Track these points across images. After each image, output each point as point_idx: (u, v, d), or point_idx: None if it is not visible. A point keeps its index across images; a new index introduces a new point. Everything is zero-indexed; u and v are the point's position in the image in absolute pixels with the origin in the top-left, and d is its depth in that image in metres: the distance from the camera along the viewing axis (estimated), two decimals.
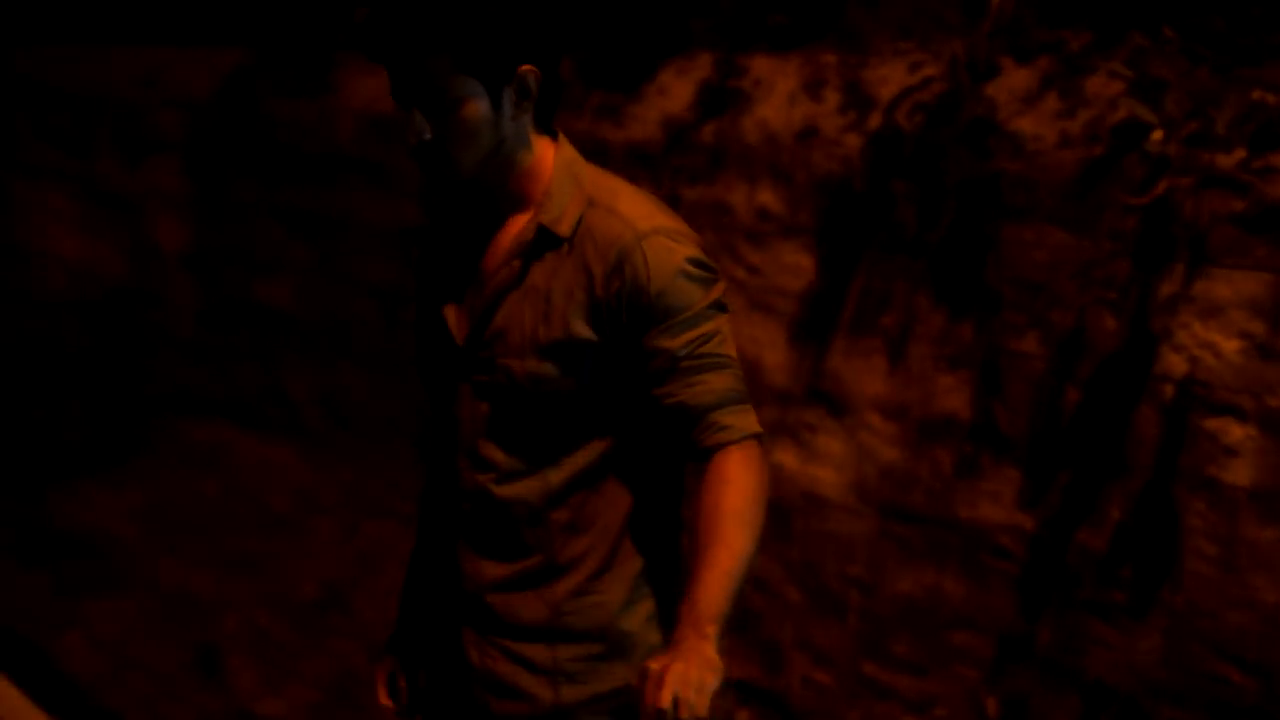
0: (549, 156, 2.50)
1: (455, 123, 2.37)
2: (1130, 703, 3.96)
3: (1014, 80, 4.36)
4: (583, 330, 2.41)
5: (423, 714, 2.85)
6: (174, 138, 8.41)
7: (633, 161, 5.45)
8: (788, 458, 4.93)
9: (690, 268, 2.40)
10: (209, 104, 8.06)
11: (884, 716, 4.63)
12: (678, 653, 2.18)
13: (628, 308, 2.39)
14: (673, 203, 5.11)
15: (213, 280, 8.21)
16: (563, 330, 2.42)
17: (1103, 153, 4.05)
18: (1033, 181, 4.16)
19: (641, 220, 2.42)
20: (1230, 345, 3.76)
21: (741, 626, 5.08)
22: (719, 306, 2.44)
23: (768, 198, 4.96)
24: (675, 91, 5.43)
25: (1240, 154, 3.78)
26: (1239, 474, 3.74)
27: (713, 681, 2.17)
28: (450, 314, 2.56)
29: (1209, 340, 3.80)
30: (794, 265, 4.88)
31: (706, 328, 2.39)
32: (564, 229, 2.43)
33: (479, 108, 2.37)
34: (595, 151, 5.47)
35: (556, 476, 2.49)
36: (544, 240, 2.45)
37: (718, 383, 2.38)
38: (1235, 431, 3.74)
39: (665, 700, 2.12)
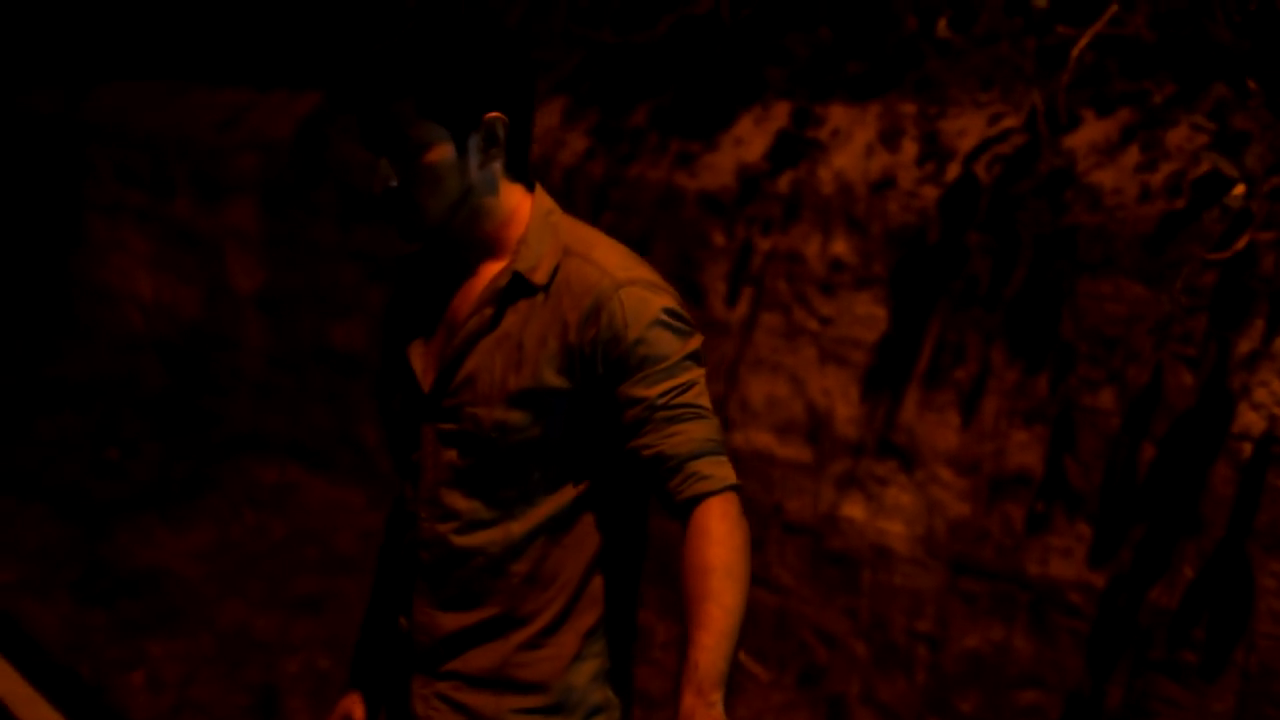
0: (525, 205, 2.47)
1: (419, 169, 2.36)
2: None
3: (1094, 132, 4.36)
4: (554, 379, 2.38)
5: None
6: (251, 179, 8.53)
7: (706, 210, 5.49)
8: (857, 510, 4.93)
9: (667, 318, 2.36)
10: (286, 146, 8.18)
11: None
12: None
13: (603, 356, 2.35)
14: (746, 252, 5.16)
15: (286, 322, 8.32)
16: (533, 378, 2.39)
17: (1183, 206, 4.05)
18: (1110, 235, 4.16)
19: (619, 270, 2.38)
20: None
21: (808, 680, 5.07)
22: (696, 358, 2.40)
23: (842, 248, 4.98)
24: (751, 140, 5.46)
25: None
26: None
27: None
28: (416, 360, 2.52)
29: None
30: (867, 316, 4.89)
31: (684, 378, 2.35)
32: (540, 277, 2.41)
33: (444, 154, 2.36)
34: (669, 200, 5.54)
35: (519, 528, 2.46)
36: (518, 287, 2.42)
37: (696, 432, 2.34)
38: None
39: None
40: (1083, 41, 4.31)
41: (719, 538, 2.28)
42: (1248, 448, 3.84)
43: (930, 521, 4.69)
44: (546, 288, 2.40)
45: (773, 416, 5.25)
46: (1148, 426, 4.07)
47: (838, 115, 5.20)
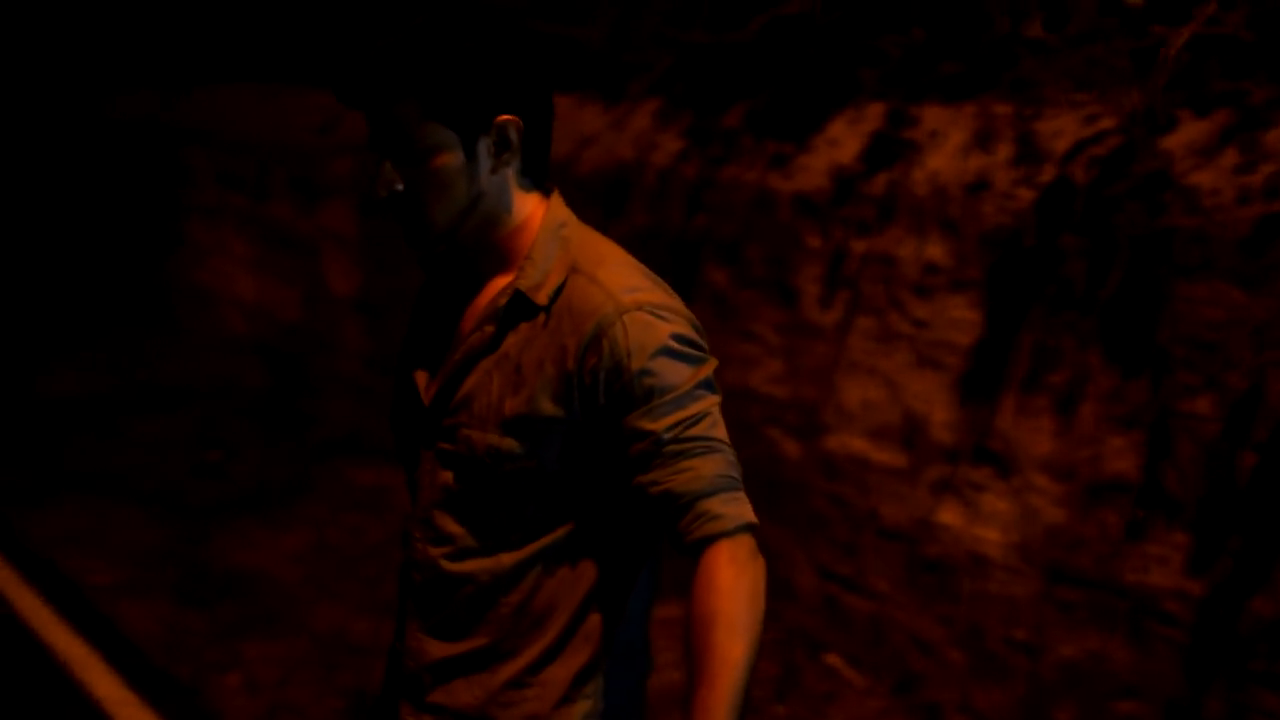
0: (537, 215, 2.33)
1: (426, 174, 2.24)
2: None
3: (1191, 133, 4.35)
4: (549, 407, 2.26)
5: None
6: (347, 183, 8.65)
7: (800, 212, 5.51)
8: (953, 516, 4.94)
9: (676, 344, 2.22)
10: None
11: None
12: None
13: (605, 387, 2.23)
14: (840, 255, 5.18)
15: (382, 324, 8.42)
16: (528, 405, 2.26)
17: None
18: (1208, 237, 4.14)
19: (624, 292, 2.24)
20: None
21: (904, 687, 5.09)
22: (709, 386, 2.26)
23: (936, 251, 4.99)
24: (845, 142, 5.48)
25: None
26: None
27: None
28: (421, 375, 2.42)
29: None
30: (962, 320, 4.91)
31: (694, 409, 2.21)
32: (542, 297, 2.27)
33: (451, 159, 2.24)
34: (763, 202, 5.57)
35: (510, 558, 2.34)
36: (519, 307, 2.29)
37: (708, 468, 2.20)
38: None
39: None
40: (1179, 41, 4.30)
41: (724, 587, 2.17)
42: None
43: (1026, 528, 4.69)
44: (548, 308, 2.28)
45: (868, 421, 5.27)
46: (1247, 433, 4.05)
47: (932, 116, 5.22)
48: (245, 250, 10.10)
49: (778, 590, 5.61)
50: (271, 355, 9.79)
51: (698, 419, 2.20)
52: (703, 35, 6.34)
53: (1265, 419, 4.02)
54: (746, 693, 2.15)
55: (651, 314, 2.22)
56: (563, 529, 2.33)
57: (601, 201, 6.56)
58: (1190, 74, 4.44)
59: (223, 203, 10.39)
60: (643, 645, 2.51)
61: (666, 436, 2.19)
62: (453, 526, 2.37)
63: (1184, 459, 4.20)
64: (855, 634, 5.34)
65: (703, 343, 2.28)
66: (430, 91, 2.21)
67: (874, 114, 5.45)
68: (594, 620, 2.37)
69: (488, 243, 2.33)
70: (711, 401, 2.24)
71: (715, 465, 2.20)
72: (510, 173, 2.28)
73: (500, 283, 2.33)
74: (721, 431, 2.25)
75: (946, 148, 5.07)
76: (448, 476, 2.36)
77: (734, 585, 2.16)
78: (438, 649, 2.42)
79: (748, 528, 2.21)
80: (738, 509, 2.20)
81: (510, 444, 2.27)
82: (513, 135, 2.24)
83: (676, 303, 2.29)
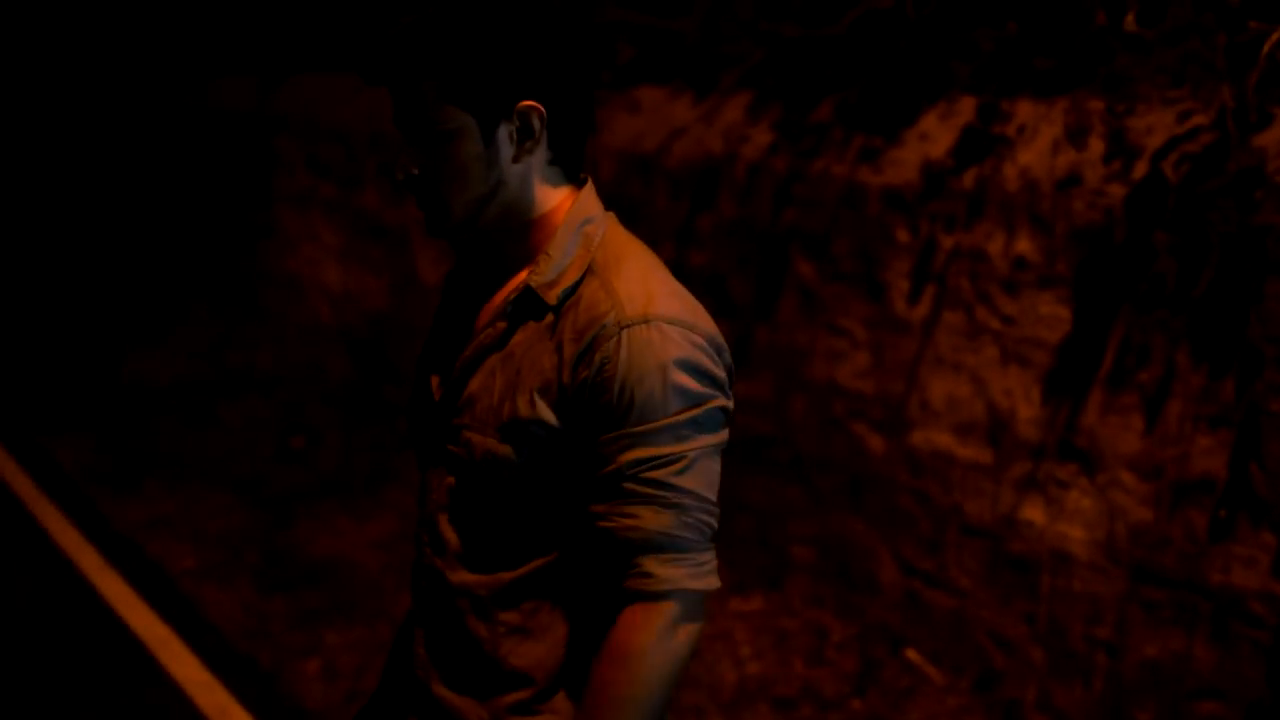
0: (564, 207, 2.24)
1: (442, 158, 2.16)
2: None
3: None
4: (544, 414, 2.15)
5: None
6: None
7: (890, 207, 5.55)
8: (1037, 513, 4.97)
9: (676, 372, 2.09)
10: None
11: None
12: None
13: (589, 401, 2.11)
14: (929, 249, 5.21)
15: None
16: (523, 410, 2.15)
17: None
18: None
19: (634, 303, 2.12)
20: None
21: (984, 684, 5.12)
22: (700, 426, 2.12)
23: (1026, 246, 5.02)
24: (936, 136, 5.51)
25: None
26: None
27: None
28: (437, 370, 2.36)
29: None
30: (1050, 316, 4.93)
31: (668, 449, 2.09)
32: (552, 296, 2.18)
33: (469, 144, 2.15)
34: (852, 195, 5.61)
35: (509, 575, 2.24)
36: (529, 304, 2.20)
37: (652, 521, 2.09)
38: None
39: None
40: (1274, 37, 4.30)
41: (630, 656, 2.10)
42: None
43: (1111, 526, 4.71)
44: (558, 308, 2.18)
45: (953, 416, 5.30)
46: None
47: (1024, 111, 5.24)
48: (334, 239, 10.22)
49: (860, 584, 5.67)
50: (357, 343, 9.90)
51: (667, 461, 2.09)
52: (794, 29, 6.38)
53: None
54: None
55: (659, 330, 2.10)
56: (569, 548, 2.24)
57: (690, 193, 6.61)
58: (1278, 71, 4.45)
59: (313, 191, 10.51)
60: None
61: (627, 472, 2.09)
62: (453, 534, 2.29)
63: (1272, 459, 4.21)
64: (936, 630, 5.37)
65: (715, 371, 2.15)
66: (448, 73, 2.13)
67: (965, 108, 5.47)
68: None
69: (512, 233, 2.24)
70: (697, 444, 2.11)
71: (661, 520, 2.09)
72: (536, 161, 2.20)
73: (522, 276, 2.25)
74: (694, 480, 2.12)
75: (1038, 143, 5.09)
76: (451, 480, 2.29)
77: (638, 657, 2.09)
78: (440, 661, 2.36)
79: (678, 594, 2.10)
80: (669, 572, 2.10)
81: (506, 450, 2.17)
82: (535, 123, 2.16)
83: (698, 320, 2.17)
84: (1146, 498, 4.59)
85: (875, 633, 5.61)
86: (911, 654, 5.44)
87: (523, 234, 2.24)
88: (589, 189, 2.28)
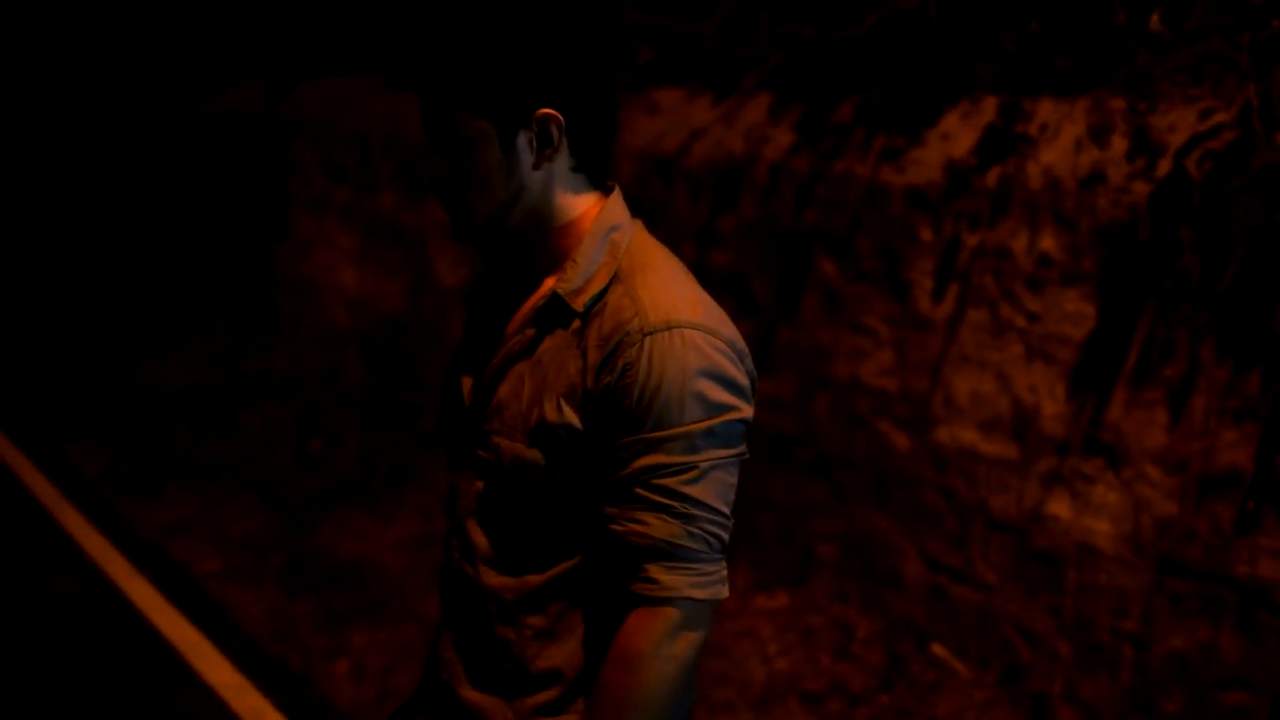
0: (591, 214, 2.27)
1: (464, 164, 2.20)
2: None
3: None
4: (571, 418, 2.18)
5: None
6: None
7: (913, 206, 5.62)
8: (1062, 508, 5.04)
9: (697, 379, 2.13)
10: None
11: None
12: None
13: (610, 406, 2.15)
14: (953, 248, 5.28)
15: None
16: (551, 415, 2.19)
17: None
18: None
19: (657, 310, 2.15)
20: None
21: (1010, 678, 5.19)
22: (716, 438, 2.15)
23: (1049, 244, 5.09)
24: (958, 135, 5.58)
25: None
26: None
27: None
28: (468, 375, 2.38)
29: None
30: (1075, 313, 5.00)
31: (681, 458, 2.12)
32: (579, 303, 2.21)
33: (490, 152, 2.19)
34: (875, 195, 5.68)
35: (537, 578, 2.28)
36: (556, 311, 2.23)
37: (659, 529, 2.13)
38: None
39: None
40: None
41: (629, 660, 2.14)
42: None
43: (1137, 520, 4.78)
44: (584, 315, 2.21)
45: (978, 413, 5.37)
46: None
47: (1046, 110, 5.31)
48: (349, 242, 10.29)
49: (886, 580, 5.74)
50: (373, 347, 9.96)
51: (679, 470, 2.12)
52: (815, 30, 6.44)
53: None
54: None
55: (682, 339, 2.13)
56: (591, 555, 2.26)
57: (712, 194, 6.69)
58: None
59: (328, 195, 10.57)
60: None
61: (639, 478, 2.13)
62: (482, 539, 2.32)
63: None
64: (962, 624, 5.44)
65: (738, 378, 2.18)
66: (467, 81, 2.17)
67: (988, 108, 5.53)
68: None
69: (539, 238, 2.27)
70: (711, 456, 2.14)
71: (669, 529, 2.13)
72: (558, 168, 2.23)
73: (549, 283, 2.27)
74: (704, 491, 2.15)
75: (1060, 141, 5.16)
76: (480, 485, 2.32)
77: (641, 661, 2.14)
78: (468, 665, 2.38)
79: (680, 602, 2.14)
80: (673, 579, 2.14)
81: (535, 455, 2.20)
82: (554, 130, 2.19)
83: (721, 327, 2.20)
84: (1172, 491, 4.66)
85: (901, 628, 5.68)
86: (937, 648, 5.51)
87: (549, 240, 2.27)
88: (616, 196, 2.31)
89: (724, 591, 2.20)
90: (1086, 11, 5.29)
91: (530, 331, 2.25)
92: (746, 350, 2.23)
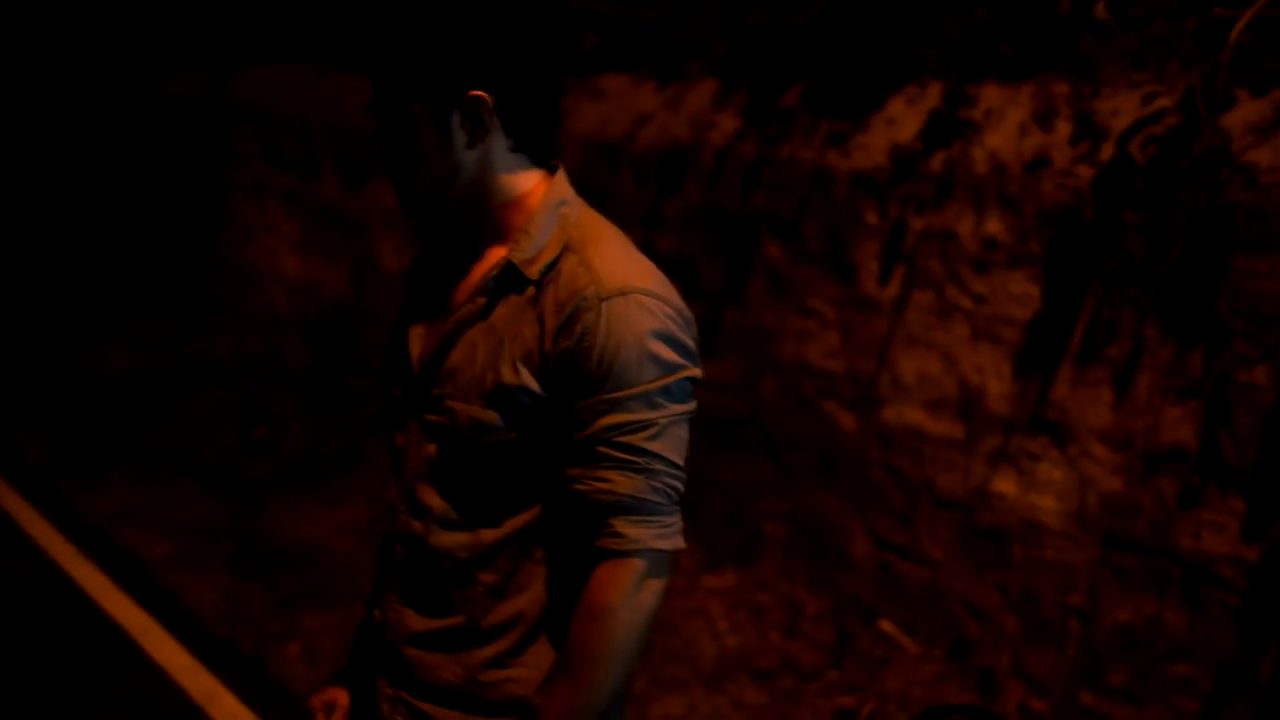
0: (538, 191, 2.34)
1: (402, 143, 2.28)
2: None
3: (1248, 112, 4.48)
4: (528, 381, 2.24)
5: None
6: None
7: (859, 190, 5.66)
8: (1008, 485, 5.09)
9: (652, 341, 2.21)
10: None
11: None
12: None
13: (569, 369, 2.21)
14: (898, 231, 5.32)
15: None
16: (508, 377, 2.25)
17: None
18: (1267, 213, 4.28)
19: (612, 278, 2.23)
20: None
21: (958, 652, 5.24)
22: (674, 395, 2.24)
23: (995, 227, 5.13)
24: (903, 120, 5.62)
25: None
26: None
27: None
28: (414, 342, 2.42)
29: None
30: (1021, 294, 5.05)
31: (640, 415, 2.20)
32: (533, 271, 2.27)
33: (423, 131, 2.26)
34: (821, 179, 5.71)
35: (490, 535, 2.34)
36: (510, 279, 2.29)
37: (623, 485, 2.21)
38: None
39: None
40: (1241, 22, 4.43)
41: (600, 612, 2.22)
42: None
43: (1082, 496, 4.84)
44: (538, 283, 2.27)
45: (924, 393, 5.42)
46: None
47: (991, 95, 5.35)
48: (291, 228, 10.25)
49: (834, 558, 5.79)
50: (316, 332, 9.93)
51: (640, 426, 2.21)
52: (762, 17, 6.46)
53: None
54: (595, 717, 2.26)
55: (636, 303, 2.21)
56: (543, 509, 2.33)
57: (657, 180, 6.70)
58: (1245, 55, 4.56)
59: (269, 181, 10.52)
60: None
61: (601, 437, 2.21)
62: (434, 500, 2.37)
63: (1241, 428, 4.34)
64: (910, 601, 5.49)
65: (687, 341, 2.26)
66: (403, 63, 2.25)
67: (932, 93, 5.57)
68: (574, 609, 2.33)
69: (482, 215, 2.34)
70: (668, 412, 2.23)
71: (632, 484, 2.21)
72: (495, 148, 2.29)
73: (495, 254, 2.34)
74: (663, 446, 2.23)
75: (1005, 126, 5.20)
76: (432, 449, 2.36)
77: (609, 612, 2.21)
78: (416, 622, 2.43)
79: (646, 553, 2.22)
80: (638, 531, 2.22)
81: (491, 416, 2.26)
82: (483, 112, 2.24)
83: (670, 295, 2.28)
84: (1117, 468, 4.72)
85: (849, 605, 5.73)
86: (886, 625, 5.56)
87: (491, 216, 2.34)
88: (561, 175, 2.38)
89: (682, 542, 2.28)
90: None
91: (482, 300, 2.30)
92: (691, 318, 2.31)
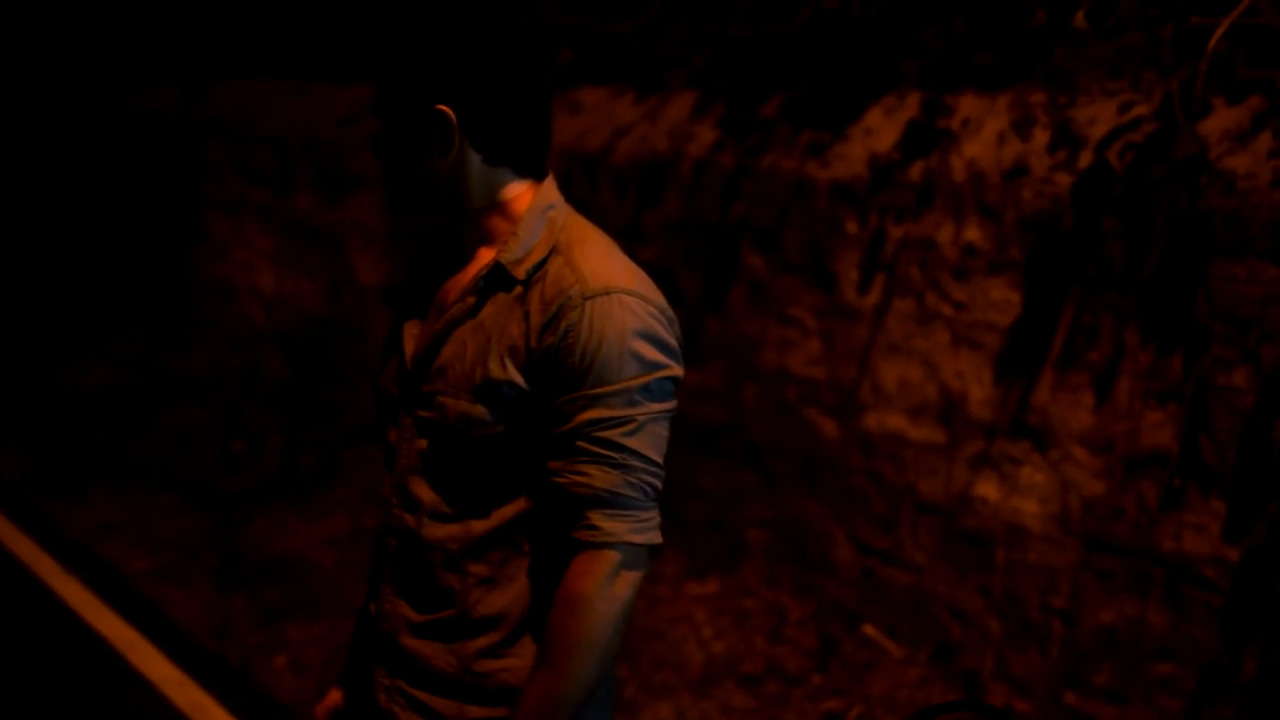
0: (525, 197, 2.42)
1: (385, 151, 2.42)
2: None
3: (1225, 119, 4.53)
4: (515, 376, 2.31)
5: None
6: (374, 174, 8.78)
7: (838, 199, 5.69)
8: (990, 490, 5.13)
9: (634, 340, 2.27)
10: None
11: None
12: None
13: (553, 365, 2.28)
14: (878, 240, 5.36)
15: None
16: (496, 373, 2.31)
17: None
18: (1244, 219, 4.33)
19: (595, 277, 2.30)
20: None
21: (942, 655, 5.28)
22: (654, 393, 2.30)
23: (975, 234, 5.18)
24: (882, 131, 5.66)
25: None
26: None
27: None
28: (408, 340, 2.50)
29: None
30: (1001, 301, 5.09)
31: (620, 411, 2.27)
32: (520, 271, 2.35)
33: (400, 142, 2.38)
34: (800, 189, 5.75)
35: (480, 527, 2.40)
36: (499, 279, 2.37)
37: (600, 479, 2.27)
38: None
39: None
40: (1220, 29, 4.49)
41: (575, 602, 2.27)
42: None
43: (1064, 500, 4.88)
44: (525, 282, 2.35)
45: (906, 399, 5.45)
46: None
47: (968, 105, 5.40)
48: (267, 243, 10.24)
49: (817, 564, 5.82)
50: (293, 346, 9.92)
51: (619, 423, 2.26)
52: (741, 29, 6.50)
53: None
54: (574, 708, 2.30)
55: (619, 303, 2.28)
56: (532, 502, 2.39)
57: (637, 191, 6.73)
58: (1221, 63, 4.62)
59: (244, 196, 10.52)
60: None
61: (581, 431, 2.27)
62: (426, 493, 2.43)
63: (1221, 430, 4.39)
64: (893, 605, 5.53)
65: (669, 340, 2.33)
66: (382, 79, 2.40)
67: (910, 103, 5.61)
68: None
69: (467, 219, 2.44)
70: (647, 409, 2.29)
71: (609, 479, 2.27)
72: (467, 159, 2.38)
73: (484, 257, 2.43)
74: (641, 442, 2.29)
75: (983, 135, 5.25)
76: (423, 444, 2.43)
77: (586, 603, 2.27)
78: (411, 613, 2.48)
79: (621, 546, 2.28)
80: (613, 525, 2.27)
81: (480, 411, 2.33)
82: (447, 125, 2.34)
83: (653, 295, 2.34)
84: (1099, 471, 4.76)
85: (833, 610, 5.76)
86: (869, 629, 5.59)
87: (477, 222, 2.43)
88: (550, 182, 2.46)
89: (658, 537, 2.34)
90: (1007, 10, 5.38)
91: (471, 299, 2.38)
92: (674, 317, 2.38)
